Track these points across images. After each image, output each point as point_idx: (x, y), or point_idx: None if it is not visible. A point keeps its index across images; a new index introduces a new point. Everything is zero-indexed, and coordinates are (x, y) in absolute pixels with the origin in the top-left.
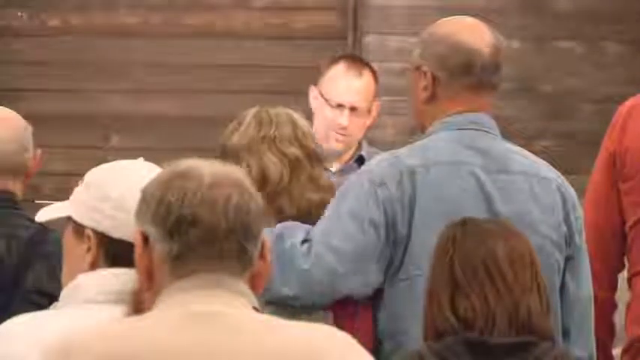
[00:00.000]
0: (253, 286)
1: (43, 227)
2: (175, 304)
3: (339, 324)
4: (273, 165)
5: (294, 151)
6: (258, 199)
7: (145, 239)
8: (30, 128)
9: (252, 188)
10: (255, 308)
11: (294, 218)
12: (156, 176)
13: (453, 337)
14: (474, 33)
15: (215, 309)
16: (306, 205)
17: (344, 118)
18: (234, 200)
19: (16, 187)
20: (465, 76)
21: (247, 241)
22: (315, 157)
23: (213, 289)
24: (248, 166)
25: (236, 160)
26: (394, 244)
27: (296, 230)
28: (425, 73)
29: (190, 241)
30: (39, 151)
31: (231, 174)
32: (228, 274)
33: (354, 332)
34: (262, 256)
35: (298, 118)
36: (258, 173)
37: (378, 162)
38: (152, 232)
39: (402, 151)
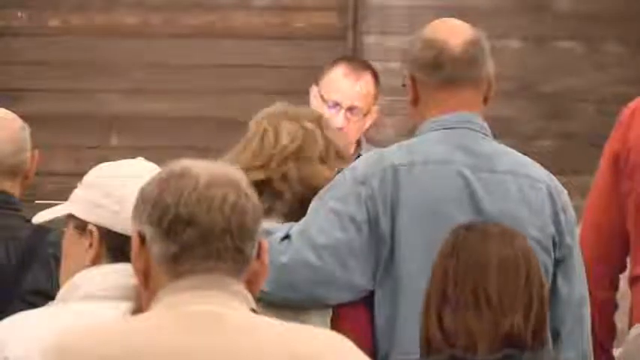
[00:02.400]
0: (250, 287)
1: (41, 228)
2: (172, 305)
3: (335, 325)
4: (287, 130)
5: (313, 126)
6: (255, 200)
7: (142, 239)
8: (27, 129)
9: (249, 189)
10: (252, 310)
11: (297, 191)
12: (153, 176)
13: (439, 355)
14: (447, 30)
15: (211, 309)
16: (313, 182)
17: (340, 118)
18: (231, 200)
19: (13, 188)
20: (435, 71)
21: (244, 242)
22: (336, 153)
23: (210, 289)
24: (264, 129)
25: (256, 126)
26: (377, 243)
27: (278, 227)
28: (407, 76)
29: (187, 241)
30: (37, 152)
31: (228, 174)
32: (225, 274)
33: (349, 333)
34: (259, 256)
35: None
36: (272, 135)
37: (362, 160)
38: (149, 232)
39: (389, 149)
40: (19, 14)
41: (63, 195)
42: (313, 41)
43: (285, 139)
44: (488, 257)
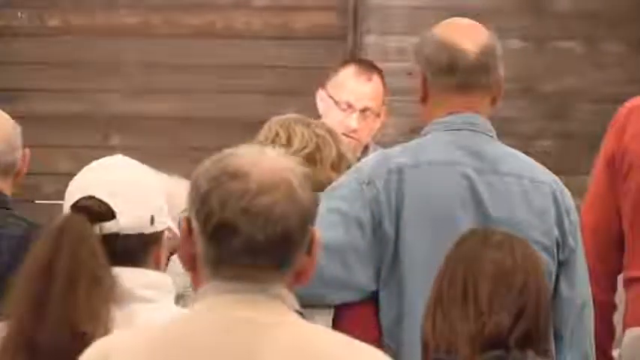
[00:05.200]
0: (296, 281)
1: (34, 226)
2: (212, 307)
3: (337, 324)
4: (301, 135)
5: (325, 134)
6: (306, 200)
7: (190, 229)
8: (18, 128)
9: (304, 187)
10: (297, 312)
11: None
12: (207, 166)
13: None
14: (462, 33)
15: (252, 315)
16: (323, 185)
17: (353, 120)
18: (278, 210)
19: (5, 186)
20: (448, 75)
21: (289, 249)
22: (346, 163)
23: (251, 294)
24: (277, 134)
25: (267, 131)
26: (381, 244)
27: None
28: (417, 74)
29: (229, 249)
30: (27, 151)
31: (282, 171)
32: (268, 280)
33: (351, 332)
34: (309, 252)
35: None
36: (284, 138)
37: (367, 161)
38: (195, 226)
39: (394, 150)
40: (19, 14)
41: (62, 195)
42: (313, 41)
43: (297, 143)
44: (484, 261)
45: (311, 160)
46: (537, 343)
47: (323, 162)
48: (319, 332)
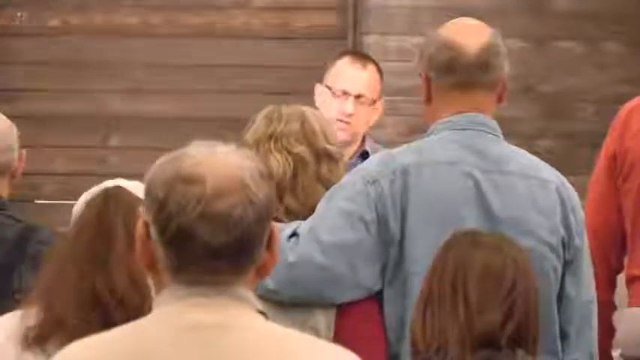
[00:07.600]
0: (257, 275)
1: (29, 227)
2: (173, 313)
3: (340, 321)
4: (277, 162)
5: (300, 149)
6: (261, 196)
7: (148, 232)
8: (14, 128)
9: (259, 185)
10: (260, 312)
11: (304, 216)
12: (160, 170)
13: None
14: (464, 33)
15: (214, 319)
16: (314, 202)
17: (349, 105)
18: (236, 213)
19: (1, 187)
20: (449, 74)
21: (247, 251)
22: (326, 155)
23: (213, 297)
24: None
25: None
26: (387, 244)
27: (285, 226)
28: (421, 74)
29: (188, 254)
30: (24, 151)
31: (236, 171)
32: (229, 282)
33: (356, 329)
34: (269, 247)
35: (313, 115)
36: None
37: (372, 160)
38: (153, 232)
39: (399, 150)
40: (19, 14)
41: (63, 195)
42: (313, 41)
43: (275, 171)
44: (473, 260)
45: (293, 184)
46: (528, 343)
47: (306, 180)
48: (284, 333)
